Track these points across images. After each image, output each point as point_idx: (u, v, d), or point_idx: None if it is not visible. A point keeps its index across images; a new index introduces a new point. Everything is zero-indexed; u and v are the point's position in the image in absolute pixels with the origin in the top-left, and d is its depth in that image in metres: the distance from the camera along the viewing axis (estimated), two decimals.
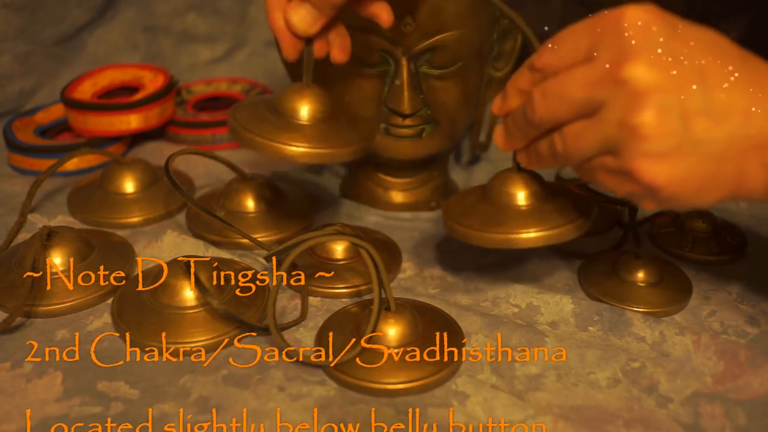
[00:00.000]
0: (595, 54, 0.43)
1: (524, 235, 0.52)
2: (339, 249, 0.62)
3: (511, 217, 0.53)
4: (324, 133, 0.55)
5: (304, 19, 0.53)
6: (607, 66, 0.42)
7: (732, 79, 0.42)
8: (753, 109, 0.42)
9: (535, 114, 0.46)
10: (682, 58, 0.41)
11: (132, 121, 0.82)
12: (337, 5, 0.53)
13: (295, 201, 0.71)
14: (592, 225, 0.54)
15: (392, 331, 0.51)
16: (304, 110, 0.56)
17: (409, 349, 0.51)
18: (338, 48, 0.57)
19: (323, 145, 0.54)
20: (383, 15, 0.56)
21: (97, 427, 0.47)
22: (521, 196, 0.54)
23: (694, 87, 0.41)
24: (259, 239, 0.64)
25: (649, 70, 0.41)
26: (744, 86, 0.42)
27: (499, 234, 0.53)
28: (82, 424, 0.47)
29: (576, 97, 0.43)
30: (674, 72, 0.41)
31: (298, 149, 0.54)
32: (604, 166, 0.44)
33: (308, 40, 0.55)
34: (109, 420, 0.47)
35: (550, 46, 0.46)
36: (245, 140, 0.55)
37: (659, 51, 0.41)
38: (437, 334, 0.53)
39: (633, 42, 0.41)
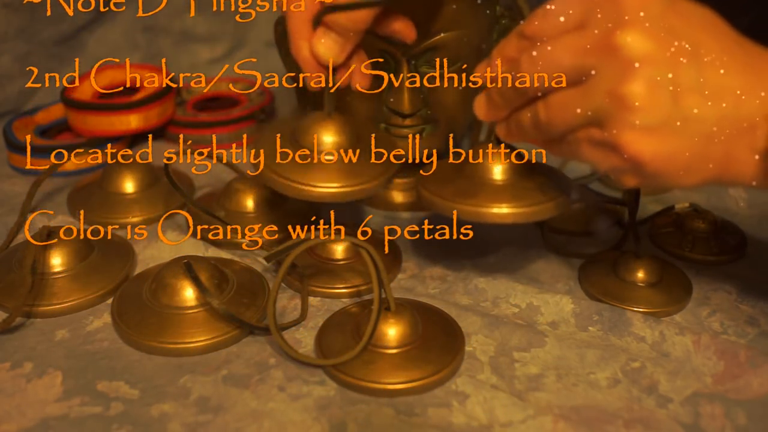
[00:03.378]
0: (588, 21, 0.42)
1: (495, 210, 0.51)
2: (339, 249, 0.62)
3: (484, 190, 0.53)
4: (354, 166, 0.55)
5: (330, 48, 0.52)
6: (600, 33, 0.41)
7: (726, 59, 0.41)
8: (745, 90, 0.41)
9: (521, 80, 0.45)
10: (677, 32, 0.41)
11: (132, 121, 0.82)
12: (361, 30, 0.52)
13: (295, 201, 0.71)
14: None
15: (392, 331, 0.51)
16: (329, 143, 0.55)
17: (409, 349, 0.51)
18: (360, 75, 0.56)
19: (353, 182, 0.54)
20: (406, 31, 0.56)
21: (97, 427, 0.47)
22: (497, 170, 0.53)
23: (688, 63, 0.40)
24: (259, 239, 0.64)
25: (643, 39, 0.40)
26: (738, 68, 0.41)
27: (469, 206, 0.52)
28: (82, 425, 0.47)
29: (565, 64, 0.42)
30: (668, 45, 0.40)
31: (328, 190, 0.54)
32: (588, 138, 0.43)
33: (331, 70, 0.55)
34: (109, 420, 0.47)
35: (541, 13, 0.45)
36: (273, 183, 0.54)
37: (655, 22, 0.40)
38: (437, 334, 0.53)
39: (628, 11, 0.40)
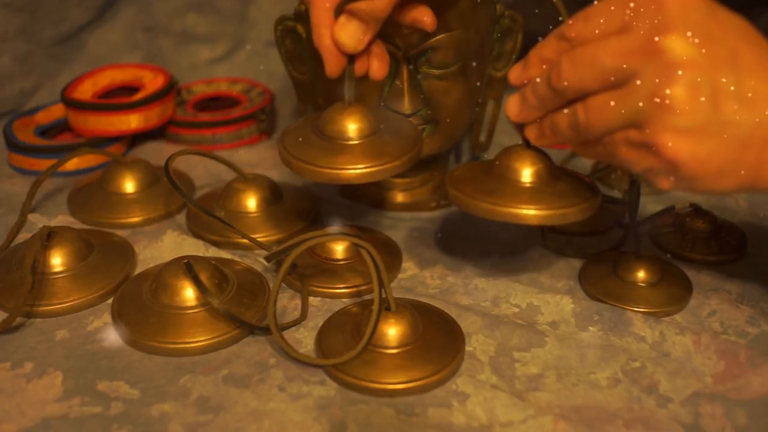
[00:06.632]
0: (631, 24, 0.42)
1: (524, 211, 0.51)
2: (339, 249, 0.62)
3: (513, 192, 0.53)
4: (377, 148, 0.56)
5: (352, 36, 0.53)
6: (643, 36, 0.41)
7: (762, 68, 0.42)
8: None
9: (561, 81, 0.45)
10: (717, 39, 0.42)
11: (132, 121, 0.82)
12: (382, 18, 0.53)
13: (295, 201, 0.71)
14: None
15: (392, 331, 0.51)
16: (352, 129, 0.56)
17: (409, 349, 0.51)
18: (377, 65, 0.57)
19: (378, 162, 0.55)
20: (426, 18, 0.56)
21: (98, 427, 0.47)
22: (527, 173, 0.53)
23: (727, 69, 0.41)
24: (259, 239, 0.64)
25: (686, 44, 0.41)
26: None
27: (499, 207, 0.52)
28: (82, 425, 0.47)
29: (607, 66, 0.43)
30: (709, 51, 0.41)
31: (354, 172, 0.54)
32: (626, 139, 0.44)
33: (351, 58, 0.55)
34: (109, 420, 0.47)
35: (583, 15, 0.45)
36: (299, 170, 0.56)
37: (696, 28, 0.41)
38: (437, 334, 0.53)
39: (671, 16, 0.41)
